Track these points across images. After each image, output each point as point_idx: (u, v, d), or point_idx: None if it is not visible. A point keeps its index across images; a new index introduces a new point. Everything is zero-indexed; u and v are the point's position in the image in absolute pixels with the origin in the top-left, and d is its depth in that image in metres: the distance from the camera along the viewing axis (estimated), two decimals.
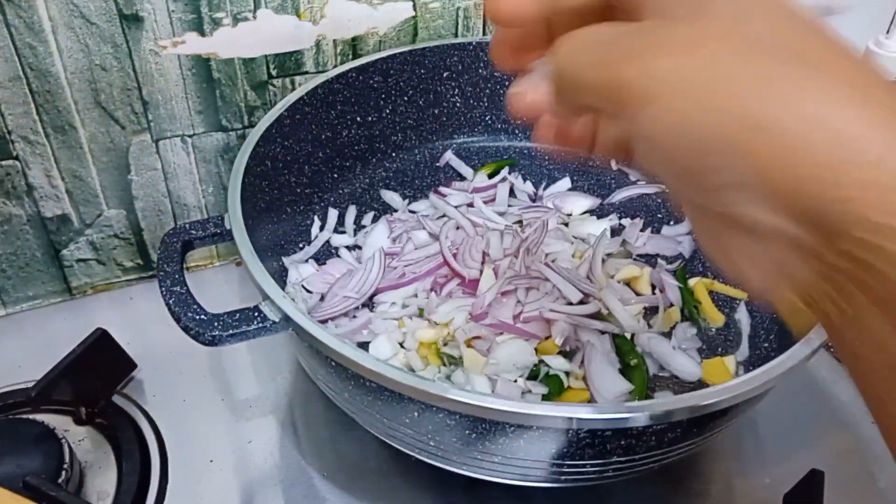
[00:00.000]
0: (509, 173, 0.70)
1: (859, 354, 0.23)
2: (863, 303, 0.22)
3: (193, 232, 0.48)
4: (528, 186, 0.69)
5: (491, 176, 0.70)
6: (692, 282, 0.59)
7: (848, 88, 0.22)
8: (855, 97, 0.21)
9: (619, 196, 0.68)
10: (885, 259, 0.20)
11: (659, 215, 0.66)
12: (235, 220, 0.47)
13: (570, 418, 0.37)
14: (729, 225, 0.24)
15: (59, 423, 0.54)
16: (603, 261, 0.59)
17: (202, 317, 0.42)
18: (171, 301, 0.43)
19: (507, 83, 0.69)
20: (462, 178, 0.70)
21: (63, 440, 0.51)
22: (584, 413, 0.37)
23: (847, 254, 0.21)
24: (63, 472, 0.49)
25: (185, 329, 0.42)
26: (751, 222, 0.23)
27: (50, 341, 0.62)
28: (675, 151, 0.23)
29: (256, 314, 0.42)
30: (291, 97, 0.58)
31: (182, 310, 0.42)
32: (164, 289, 0.43)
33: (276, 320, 0.42)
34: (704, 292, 0.58)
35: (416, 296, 0.57)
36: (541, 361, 0.51)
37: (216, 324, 0.42)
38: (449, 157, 0.71)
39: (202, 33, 0.59)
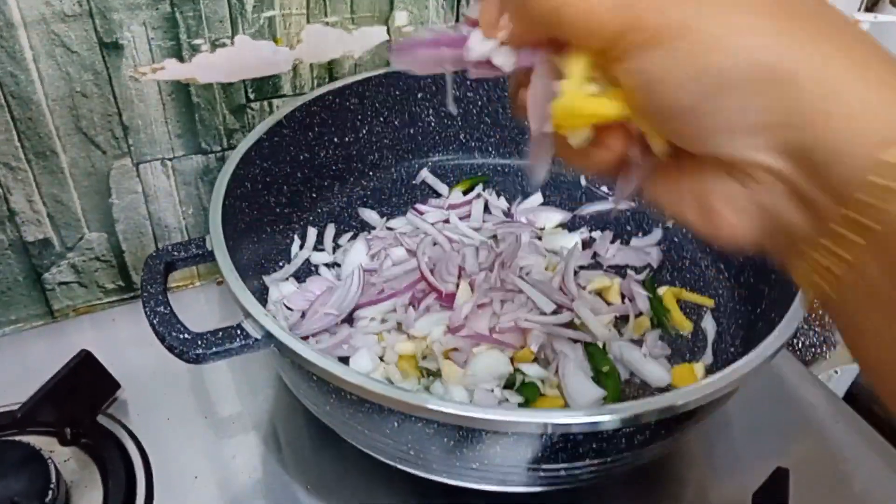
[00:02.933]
0: (483, 189, 0.72)
1: (848, 305, 0.24)
2: (860, 248, 0.23)
3: (176, 253, 0.49)
4: (502, 202, 0.71)
5: (466, 192, 0.72)
6: (661, 290, 0.61)
7: (859, 51, 0.24)
8: (866, 60, 0.23)
9: (590, 209, 0.70)
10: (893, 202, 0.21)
11: (628, 227, 0.69)
12: (217, 242, 0.48)
13: (546, 423, 0.39)
14: (725, 172, 0.26)
15: (44, 444, 0.54)
16: (575, 272, 0.61)
17: (186, 336, 0.43)
18: (155, 321, 0.44)
19: (479, 103, 0.72)
20: (438, 195, 0.72)
21: (49, 461, 0.52)
22: (560, 418, 0.39)
23: (851, 200, 0.22)
24: (50, 493, 0.50)
25: (170, 348, 0.43)
26: (753, 166, 0.25)
27: (32, 364, 0.63)
28: (687, 92, 0.24)
29: (239, 332, 0.43)
30: (270, 120, 0.59)
31: (166, 329, 0.43)
32: (148, 309, 0.45)
33: (259, 337, 0.43)
34: (673, 301, 0.60)
35: (394, 311, 0.59)
36: (517, 370, 0.53)
37: (199, 342, 0.43)
38: (425, 174, 0.72)
39: (181, 59, 0.60)
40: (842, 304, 0.25)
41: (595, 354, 0.54)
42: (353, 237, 0.67)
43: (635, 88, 0.26)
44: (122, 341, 0.66)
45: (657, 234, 0.67)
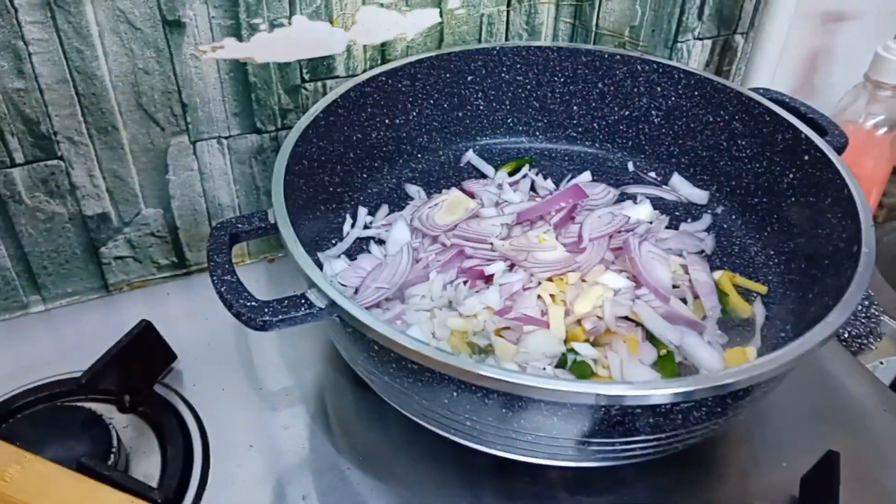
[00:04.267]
0: (529, 171, 0.72)
1: None
2: None
3: (240, 226, 0.50)
4: (549, 183, 0.72)
5: (512, 174, 0.72)
6: (716, 275, 0.61)
7: None
8: None
9: (638, 190, 0.71)
10: None
11: (676, 213, 0.69)
12: (280, 214, 0.49)
13: (598, 394, 0.39)
14: None
15: (104, 410, 0.56)
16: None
17: (253, 303, 0.44)
18: (222, 289, 0.45)
19: (528, 87, 0.72)
20: (484, 176, 0.73)
21: (110, 426, 0.54)
22: (613, 390, 0.39)
23: None
24: (112, 456, 0.52)
25: (237, 315, 0.44)
26: None
27: (88, 336, 0.65)
28: None
29: (304, 301, 0.44)
30: (327, 99, 0.60)
31: (234, 297, 0.44)
32: (215, 278, 0.46)
33: (322, 306, 0.44)
34: (730, 285, 0.60)
35: (444, 288, 0.59)
36: (569, 350, 0.53)
37: (266, 310, 0.44)
38: (470, 156, 0.73)
39: (240, 39, 0.62)
40: None
41: (652, 337, 0.55)
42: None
43: None
44: (175, 315, 0.67)
45: (706, 219, 0.67)
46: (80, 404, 0.56)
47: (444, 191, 0.69)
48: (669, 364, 0.53)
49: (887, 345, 0.73)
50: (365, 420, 0.58)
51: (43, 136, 0.60)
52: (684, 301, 0.58)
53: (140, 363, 0.58)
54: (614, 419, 0.43)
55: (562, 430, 0.44)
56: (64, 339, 0.65)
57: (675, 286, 0.59)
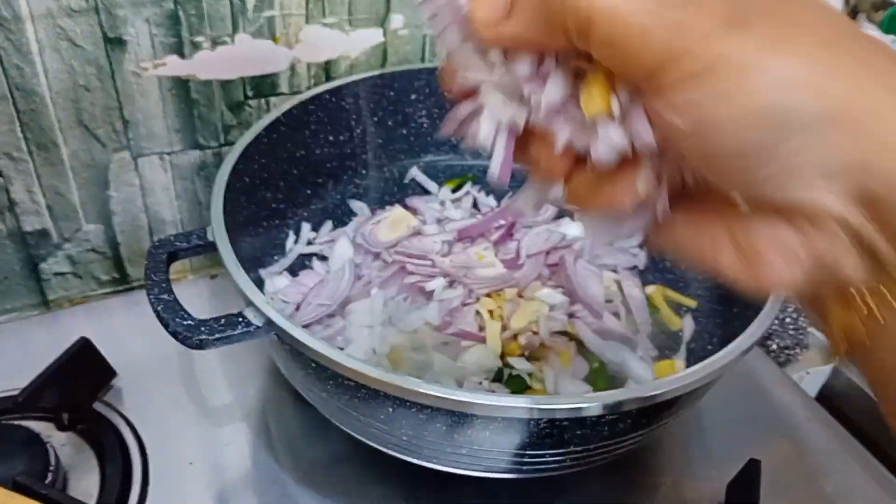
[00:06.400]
0: (472, 187, 0.74)
1: (885, 352, 0.24)
2: None
3: (178, 244, 0.51)
4: (491, 200, 0.73)
5: (454, 190, 0.74)
6: (649, 290, 0.63)
7: None
8: None
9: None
10: None
11: None
12: (219, 232, 0.49)
13: (532, 408, 0.41)
14: (777, 217, 0.23)
15: (41, 428, 0.56)
16: None
17: (189, 322, 0.45)
18: (159, 308, 0.45)
19: None
20: (428, 193, 0.74)
21: (48, 444, 0.53)
22: (546, 403, 0.41)
23: None
24: (49, 475, 0.51)
25: (174, 334, 0.44)
26: (819, 212, 0.22)
27: (27, 353, 0.64)
28: (750, 131, 0.22)
29: (241, 319, 0.45)
30: (269, 117, 0.61)
31: (170, 316, 0.45)
32: (152, 297, 0.46)
33: (260, 325, 0.45)
34: (662, 299, 0.63)
35: (385, 305, 0.60)
36: (505, 365, 0.55)
37: (203, 328, 0.45)
38: (415, 172, 0.74)
39: (182, 56, 0.62)
40: (876, 351, 0.25)
41: (585, 350, 0.57)
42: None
43: (687, 125, 0.23)
44: (116, 331, 0.67)
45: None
46: (17, 423, 0.55)
47: (388, 207, 0.70)
48: (601, 377, 0.55)
49: (813, 355, 0.76)
50: (307, 435, 0.59)
51: None
52: (617, 315, 0.60)
53: (79, 381, 0.58)
54: (544, 431, 0.44)
55: (496, 444, 0.45)
56: (2, 356, 0.64)
57: (608, 301, 0.61)
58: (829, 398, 0.73)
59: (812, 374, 0.72)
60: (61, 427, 0.57)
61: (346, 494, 0.55)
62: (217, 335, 0.44)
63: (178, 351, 0.64)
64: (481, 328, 0.57)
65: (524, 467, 0.48)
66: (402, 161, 0.75)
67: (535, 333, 0.57)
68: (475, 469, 0.49)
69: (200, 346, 0.44)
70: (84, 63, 0.59)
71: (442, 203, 0.71)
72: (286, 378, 0.58)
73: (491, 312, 0.58)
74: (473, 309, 0.58)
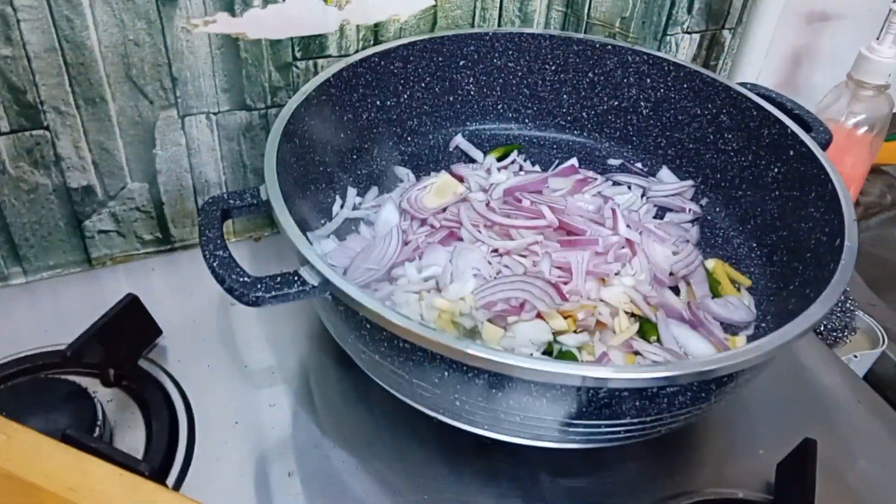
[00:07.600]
0: (517, 156, 0.73)
1: None
2: None
3: (231, 201, 0.50)
4: (536, 169, 0.72)
5: (500, 159, 0.72)
6: (709, 263, 0.62)
7: None
8: None
9: (623, 180, 0.71)
10: None
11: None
12: (273, 191, 0.49)
13: (584, 376, 0.40)
14: None
15: (88, 383, 0.56)
16: None
17: (245, 279, 0.44)
18: (214, 264, 0.45)
19: (519, 73, 0.73)
20: (473, 161, 0.73)
21: (95, 399, 0.53)
22: (598, 372, 0.40)
23: None
24: (97, 429, 0.51)
25: (230, 290, 0.44)
26: None
27: (69, 309, 0.64)
28: None
29: (296, 278, 0.44)
30: (319, 78, 0.60)
31: (226, 272, 0.44)
32: (207, 252, 0.45)
33: (316, 284, 0.44)
34: (723, 273, 0.61)
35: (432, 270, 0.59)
36: (556, 340, 0.54)
37: (259, 286, 0.44)
38: (459, 140, 0.73)
39: (233, 13, 0.61)
40: None
41: (644, 326, 0.56)
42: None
43: None
44: (158, 291, 0.67)
45: (691, 210, 0.68)
46: (64, 377, 0.55)
47: (432, 174, 0.69)
48: None
49: (861, 339, 0.75)
50: (348, 400, 0.59)
51: (29, 106, 0.59)
52: (677, 289, 0.59)
53: (125, 337, 0.57)
54: (602, 402, 0.43)
55: (549, 412, 0.44)
56: (44, 312, 0.64)
57: (669, 274, 0.60)
58: (874, 383, 0.72)
59: (860, 358, 0.71)
60: (107, 383, 0.57)
61: (387, 459, 0.55)
62: (273, 293, 0.44)
63: (221, 312, 0.65)
64: None
65: (574, 437, 0.47)
66: (448, 128, 0.74)
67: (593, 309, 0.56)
68: (525, 437, 0.48)
69: (256, 302, 0.43)
70: (134, 17, 0.58)
71: (488, 171, 0.70)
72: (328, 341, 0.58)
73: None
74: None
